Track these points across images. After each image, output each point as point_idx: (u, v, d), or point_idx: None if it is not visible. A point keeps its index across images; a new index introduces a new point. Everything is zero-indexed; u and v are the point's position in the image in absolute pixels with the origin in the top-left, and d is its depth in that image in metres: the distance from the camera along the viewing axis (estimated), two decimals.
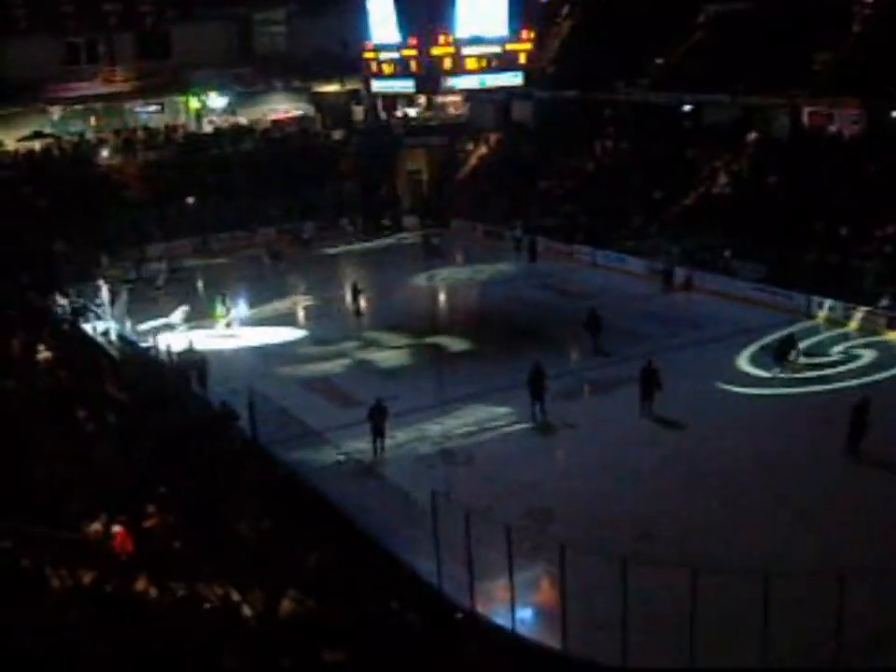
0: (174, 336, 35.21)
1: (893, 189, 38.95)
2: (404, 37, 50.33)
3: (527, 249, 50.00)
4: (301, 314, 41.81)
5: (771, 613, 15.79)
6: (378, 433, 26.65)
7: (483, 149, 61.83)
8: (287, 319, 40.47)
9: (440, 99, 64.02)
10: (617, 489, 23.92)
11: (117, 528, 16.42)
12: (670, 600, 17.01)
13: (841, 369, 31.55)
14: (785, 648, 16.39)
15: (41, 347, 26.51)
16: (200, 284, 44.66)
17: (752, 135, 48.00)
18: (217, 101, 63.25)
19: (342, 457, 24.90)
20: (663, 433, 27.12)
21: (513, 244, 51.06)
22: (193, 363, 31.64)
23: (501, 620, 18.65)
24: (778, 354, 31.19)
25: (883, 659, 16.96)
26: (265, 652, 12.67)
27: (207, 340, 36.48)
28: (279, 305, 42.25)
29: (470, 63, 50.16)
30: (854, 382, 30.01)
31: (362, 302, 40.64)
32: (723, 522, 22.09)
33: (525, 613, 19.00)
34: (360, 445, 26.44)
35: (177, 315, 38.09)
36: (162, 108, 63.15)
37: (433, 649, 15.87)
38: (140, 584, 14.08)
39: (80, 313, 37.60)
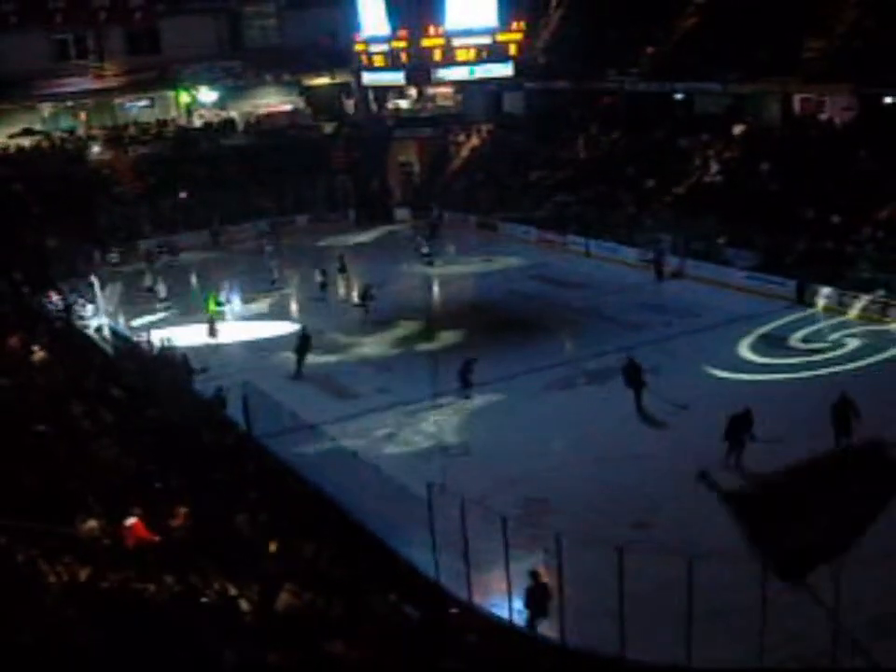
0: (166, 332, 35.17)
1: (885, 176, 38.98)
2: (394, 29, 50.38)
3: (428, 227, 51.43)
4: (294, 306, 41.71)
5: (768, 600, 15.81)
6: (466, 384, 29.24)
7: (474, 141, 61.74)
8: (281, 312, 40.33)
9: (430, 90, 63.98)
10: (613, 478, 23.90)
11: (132, 520, 16.44)
12: (668, 589, 17.02)
13: (832, 355, 31.63)
14: (782, 634, 16.40)
15: (35, 347, 26.45)
16: (193, 278, 44.48)
17: (739, 128, 47.96)
18: (207, 95, 63.09)
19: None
20: (659, 422, 27.11)
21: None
22: (174, 359, 31.61)
23: (499, 610, 18.67)
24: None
25: (881, 647, 16.95)
26: (263, 646, 12.65)
27: (200, 334, 36.58)
28: (272, 298, 42.15)
29: (461, 55, 50.27)
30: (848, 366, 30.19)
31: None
32: (721, 509, 22.05)
33: (522, 603, 19.01)
34: (354, 437, 26.47)
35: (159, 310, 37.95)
36: (153, 103, 62.97)
37: (431, 640, 15.86)
38: (139, 579, 14.06)
39: (73, 309, 37.54)
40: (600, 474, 24.18)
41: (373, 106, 65.73)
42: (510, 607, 18.38)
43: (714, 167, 46.81)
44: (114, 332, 35.78)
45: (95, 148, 57.68)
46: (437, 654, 14.92)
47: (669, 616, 16.77)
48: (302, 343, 33.15)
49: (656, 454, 25.07)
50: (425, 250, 46.98)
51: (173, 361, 31.35)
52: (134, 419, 23.41)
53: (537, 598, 17.97)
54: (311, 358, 34.09)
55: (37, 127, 58.64)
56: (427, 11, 49.80)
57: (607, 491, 23.24)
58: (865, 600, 17.28)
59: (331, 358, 34.54)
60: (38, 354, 26.05)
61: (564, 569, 17.00)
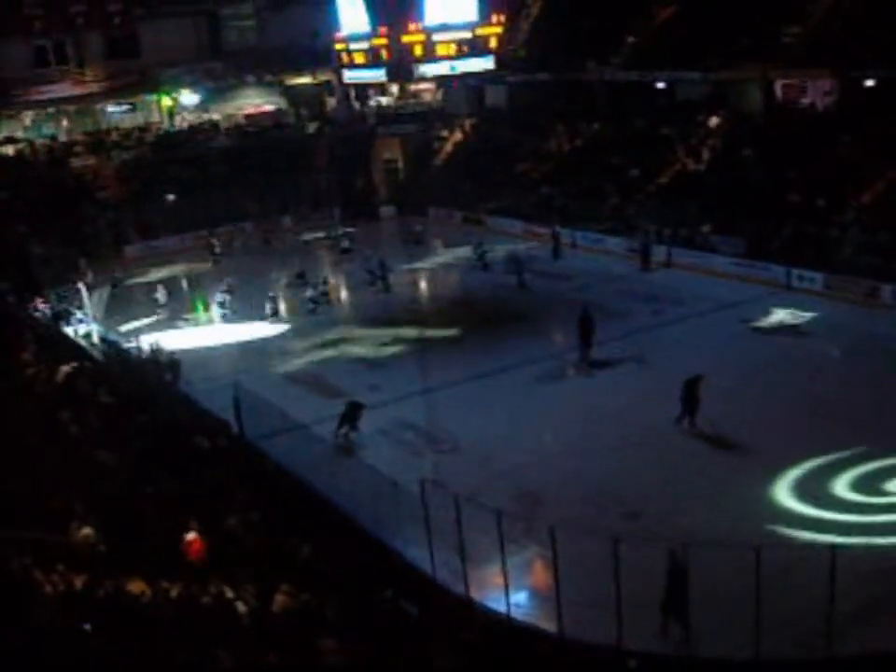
0: (156, 336, 35.19)
1: (868, 159, 39.09)
2: (374, 26, 50.31)
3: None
4: (282, 307, 41.53)
5: (762, 586, 15.85)
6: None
7: (458, 135, 61.76)
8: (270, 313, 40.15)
9: (412, 87, 63.97)
10: (602, 469, 23.93)
11: (192, 535, 16.45)
12: (662, 578, 17.05)
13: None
14: (777, 619, 16.45)
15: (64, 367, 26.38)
16: (184, 282, 44.30)
17: (716, 120, 47.96)
18: (189, 98, 63.02)
19: None
20: (646, 410, 27.08)
21: None
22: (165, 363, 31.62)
23: (496, 604, 18.69)
24: None
25: (872, 630, 17.02)
26: (261, 648, 12.66)
27: (191, 337, 36.57)
28: (263, 299, 42.01)
29: (441, 50, 50.19)
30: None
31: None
32: (712, 495, 22.12)
33: (519, 597, 19.03)
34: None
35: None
36: (134, 108, 62.84)
37: (429, 636, 15.89)
38: (134, 586, 14.06)
39: (62, 316, 37.46)
40: (590, 465, 24.21)
41: (355, 104, 65.71)
42: (507, 601, 18.40)
43: (704, 154, 46.75)
44: (103, 338, 35.70)
45: (79, 155, 57.47)
46: (434, 650, 14.94)
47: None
48: (172, 364, 32.23)
49: (644, 443, 25.09)
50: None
51: (159, 365, 31.42)
52: (125, 425, 23.37)
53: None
54: (300, 359, 34.19)
55: (20, 135, 58.51)
56: (407, 7, 49.77)
57: (597, 482, 23.24)
58: (858, 583, 17.39)
59: (321, 358, 34.52)
60: (65, 368, 25.90)
61: (558, 561, 17.03)
